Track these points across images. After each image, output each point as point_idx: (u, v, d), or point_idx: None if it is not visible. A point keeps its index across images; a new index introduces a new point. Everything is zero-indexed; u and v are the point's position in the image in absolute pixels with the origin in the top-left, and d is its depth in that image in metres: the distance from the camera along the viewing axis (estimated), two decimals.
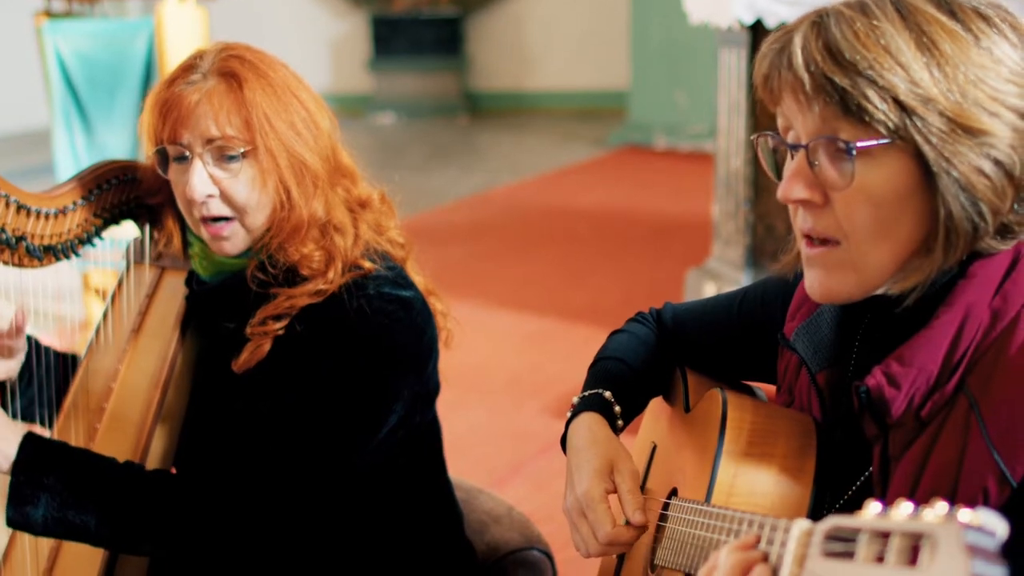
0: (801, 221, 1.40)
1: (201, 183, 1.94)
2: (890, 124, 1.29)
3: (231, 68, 1.94)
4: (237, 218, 1.97)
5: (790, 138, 1.40)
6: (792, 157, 1.38)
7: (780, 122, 1.41)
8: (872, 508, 1.00)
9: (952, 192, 1.30)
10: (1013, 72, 1.32)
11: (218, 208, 1.96)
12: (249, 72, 1.94)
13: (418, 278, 2.11)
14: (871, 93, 1.28)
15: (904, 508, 0.97)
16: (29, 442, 1.84)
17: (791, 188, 1.37)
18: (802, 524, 1.14)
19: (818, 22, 1.34)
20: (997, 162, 1.30)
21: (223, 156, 1.94)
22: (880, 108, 1.28)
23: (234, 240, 1.99)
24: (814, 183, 1.36)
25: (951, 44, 1.30)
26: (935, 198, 1.32)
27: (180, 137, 1.95)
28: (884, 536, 0.97)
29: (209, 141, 1.93)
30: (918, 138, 1.28)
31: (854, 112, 1.29)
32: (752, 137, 1.48)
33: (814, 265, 1.41)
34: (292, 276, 1.99)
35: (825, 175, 1.34)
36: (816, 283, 1.41)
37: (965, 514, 0.92)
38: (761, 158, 1.48)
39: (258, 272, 2.00)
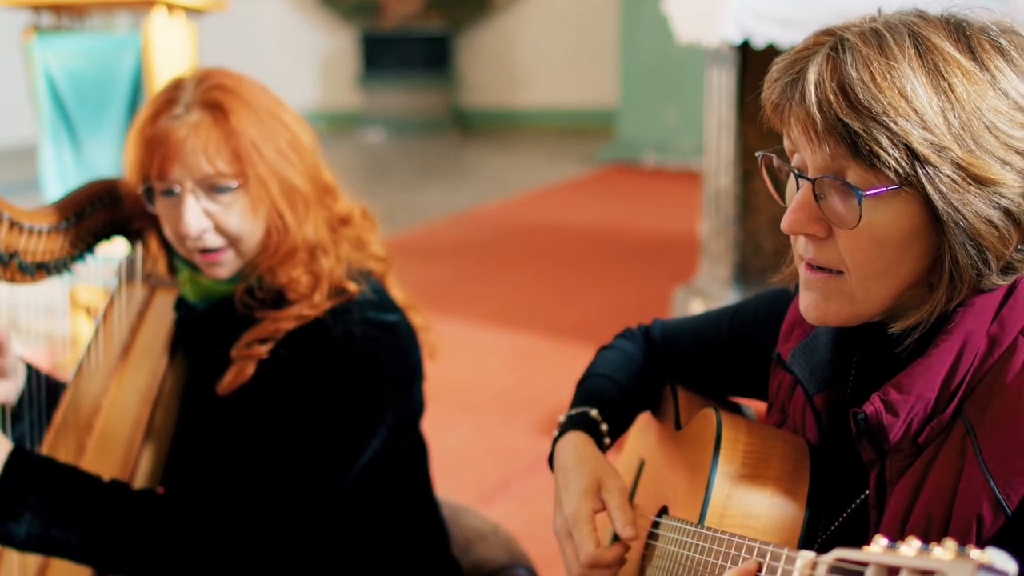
0: (803, 249, 1.39)
1: (195, 220, 1.94)
2: (900, 171, 1.27)
3: (214, 99, 1.93)
4: (232, 246, 1.97)
5: (795, 161, 1.39)
6: (798, 186, 1.37)
7: (787, 144, 1.40)
8: (879, 542, 0.99)
9: (959, 240, 1.29)
10: None
11: (212, 240, 1.97)
12: (233, 101, 1.94)
13: (398, 292, 2.11)
14: (883, 139, 1.26)
15: (913, 544, 0.96)
16: (13, 458, 1.83)
17: (796, 221, 1.36)
18: (806, 555, 1.13)
19: (833, 56, 1.31)
20: (1006, 211, 1.29)
21: (215, 189, 1.93)
22: (892, 155, 1.27)
23: (228, 266, 2.00)
24: (819, 216, 1.35)
25: (967, 87, 1.28)
26: (939, 238, 1.31)
27: (169, 173, 1.94)
28: (892, 571, 0.96)
29: (201, 177, 1.93)
30: (928, 187, 1.27)
31: (864, 156, 1.28)
32: (757, 154, 1.46)
33: (811, 289, 1.40)
34: (279, 300, 1.99)
35: (831, 211, 1.34)
36: (811, 306, 1.41)
37: (976, 553, 0.92)
38: (764, 176, 1.47)
39: (246, 295, 2.00)
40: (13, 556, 1.99)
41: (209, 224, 1.96)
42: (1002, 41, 1.31)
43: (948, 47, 1.29)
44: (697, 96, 5.79)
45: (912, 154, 1.26)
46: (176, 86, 1.99)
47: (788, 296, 1.66)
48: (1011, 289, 1.36)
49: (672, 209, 8.99)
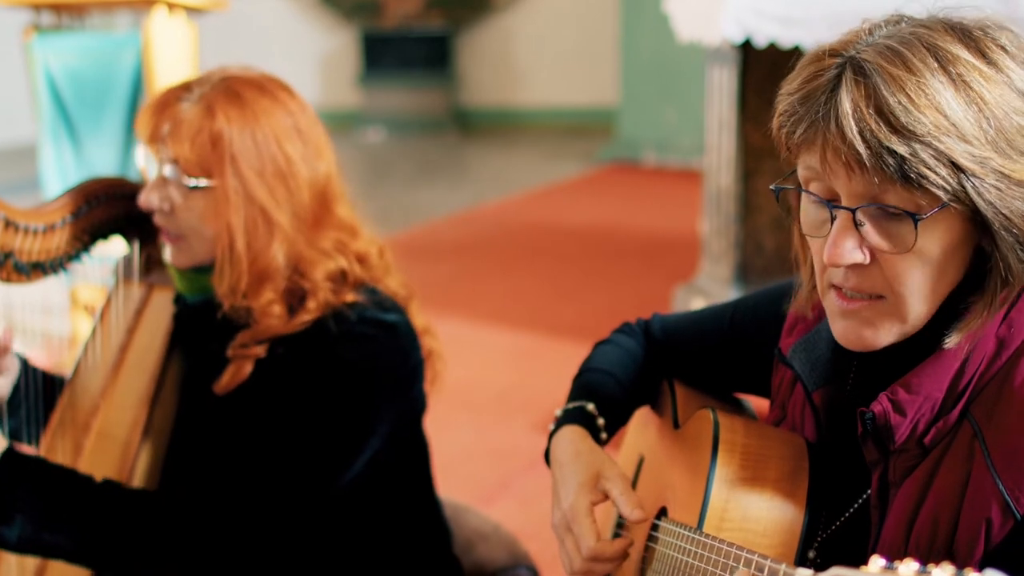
0: (841, 279, 1.35)
1: (150, 197, 1.98)
2: (948, 188, 1.25)
3: (217, 102, 1.94)
4: (185, 238, 1.99)
5: (814, 188, 1.35)
6: (833, 216, 1.33)
7: (803, 173, 1.36)
8: (877, 562, 0.98)
9: (1010, 245, 1.28)
10: None
11: (167, 224, 1.99)
12: (233, 109, 1.94)
13: (420, 319, 2.11)
14: (929, 160, 1.24)
15: (911, 565, 0.95)
16: (5, 461, 1.82)
17: (841, 253, 1.32)
18: (804, 573, 1.13)
19: (862, 81, 1.27)
20: None
21: (180, 180, 1.95)
22: (939, 174, 1.24)
23: (179, 256, 2.02)
24: (861, 244, 1.32)
25: (991, 91, 1.26)
26: (979, 246, 1.30)
27: (154, 142, 1.97)
28: None
29: (172, 159, 1.95)
30: (977, 199, 1.25)
31: (913, 179, 1.25)
32: (772, 188, 1.43)
33: (852, 318, 1.36)
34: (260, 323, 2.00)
35: (876, 238, 1.31)
36: (855, 335, 1.37)
37: None
38: (780, 208, 1.45)
39: (229, 314, 1.99)
40: (11, 556, 1.98)
41: (166, 207, 1.98)
42: (1003, 39, 1.30)
43: (965, 54, 1.28)
44: (698, 95, 5.78)
45: (958, 169, 1.24)
46: (210, 73, 2.02)
47: (791, 291, 1.64)
48: (1020, 291, 1.36)
49: (673, 208, 8.98)
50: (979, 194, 1.25)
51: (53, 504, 1.82)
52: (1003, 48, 1.30)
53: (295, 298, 1.99)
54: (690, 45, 5.16)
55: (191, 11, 4.67)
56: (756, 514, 1.48)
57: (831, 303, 1.38)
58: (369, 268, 2.07)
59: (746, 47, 4.49)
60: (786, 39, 4.13)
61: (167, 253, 2.03)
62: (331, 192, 2.04)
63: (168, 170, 1.96)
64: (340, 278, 2.01)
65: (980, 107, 1.25)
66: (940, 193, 1.25)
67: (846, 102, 1.27)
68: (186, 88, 1.99)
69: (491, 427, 4.71)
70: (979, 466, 1.30)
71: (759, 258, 4.78)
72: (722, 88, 4.72)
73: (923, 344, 1.37)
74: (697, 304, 4.88)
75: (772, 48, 4.19)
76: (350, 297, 1.99)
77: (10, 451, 1.84)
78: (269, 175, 1.95)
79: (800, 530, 1.46)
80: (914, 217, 1.27)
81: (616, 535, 1.72)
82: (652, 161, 11.37)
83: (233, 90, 1.97)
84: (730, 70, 4.64)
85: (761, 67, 4.52)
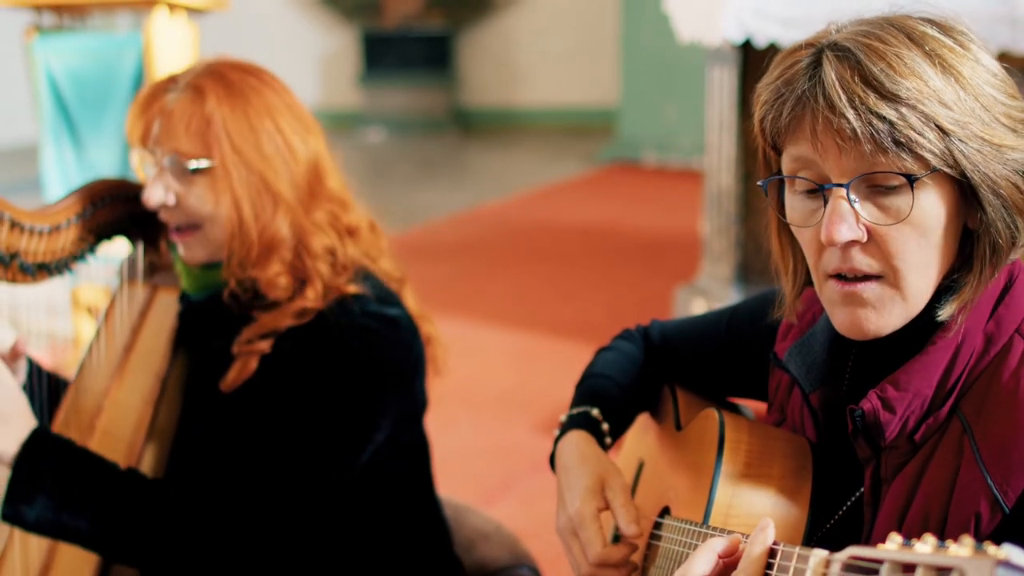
0: (839, 261, 1.36)
1: (154, 193, 1.99)
2: (936, 151, 1.28)
3: (202, 83, 1.97)
4: (198, 228, 2.00)
5: (803, 173, 1.36)
6: (826, 199, 1.34)
7: (789, 165, 1.38)
8: (894, 539, 0.99)
9: (997, 209, 1.32)
10: (1007, 85, 1.34)
11: (176, 218, 2.00)
12: (222, 89, 1.97)
13: (413, 304, 2.12)
14: (916, 123, 1.28)
15: (929, 541, 0.96)
16: (33, 439, 1.83)
17: (838, 230, 1.32)
18: (819, 553, 1.13)
19: (843, 56, 1.31)
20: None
21: (180, 167, 1.96)
22: (927, 137, 1.28)
23: (196, 249, 2.03)
24: (857, 221, 1.33)
25: (962, 64, 1.31)
26: (974, 217, 1.34)
27: (146, 143, 1.99)
28: (908, 569, 0.96)
29: (170, 152, 1.96)
30: (964, 161, 1.29)
31: (903, 144, 1.28)
32: (759, 184, 1.44)
33: (855, 304, 1.37)
34: (265, 299, 2.00)
35: (872, 211, 1.33)
36: (856, 322, 1.38)
37: (994, 549, 0.92)
38: (770, 206, 1.47)
39: (231, 300, 2.01)
40: (16, 555, 1.98)
41: (171, 200, 1.99)
42: (961, 27, 1.36)
43: (934, 33, 1.33)
44: (698, 95, 5.78)
45: (943, 132, 1.28)
46: (193, 65, 2.04)
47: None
48: (1007, 288, 1.38)
49: (673, 208, 8.98)
50: (965, 157, 1.29)
51: (76, 487, 1.83)
52: (963, 34, 1.35)
53: (297, 277, 2.00)
54: (691, 45, 5.16)
55: (192, 11, 4.67)
56: (761, 511, 1.49)
57: (830, 292, 1.39)
58: (360, 242, 2.08)
59: (746, 47, 4.50)
60: (786, 39, 4.13)
61: (181, 250, 2.04)
62: (323, 166, 2.06)
63: (167, 162, 1.97)
64: (335, 252, 2.03)
65: (956, 78, 1.30)
66: (930, 157, 1.29)
67: (831, 74, 1.31)
68: (171, 80, 2.02)
69: (492, 428, 4.72)
70: (968, 462, 1.31)
71: (759, 258, 4.78)
72: (723, 88, 4.73)
73: (918, 340, 1.38)
74: (698, 304, 4.89)
75: (773, 48, 4.18)
76: (352, 289, 2.00)
77: (38, 431, 1.84)
78: (266, 148, 1.98)
79: (804, 526, 1.47)
80: (909, 178, 1.29)
81: (616, 538, 1.73)
82: (653, 161, 11.37)
83: (219, 73, 2.00)
84: (731, 70, 4.65)
85: (761, 67, 4.52)
